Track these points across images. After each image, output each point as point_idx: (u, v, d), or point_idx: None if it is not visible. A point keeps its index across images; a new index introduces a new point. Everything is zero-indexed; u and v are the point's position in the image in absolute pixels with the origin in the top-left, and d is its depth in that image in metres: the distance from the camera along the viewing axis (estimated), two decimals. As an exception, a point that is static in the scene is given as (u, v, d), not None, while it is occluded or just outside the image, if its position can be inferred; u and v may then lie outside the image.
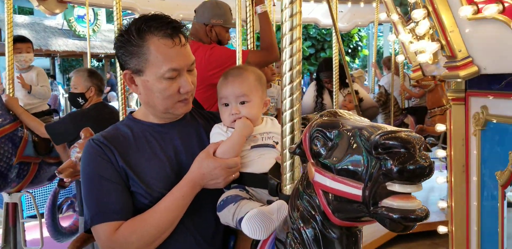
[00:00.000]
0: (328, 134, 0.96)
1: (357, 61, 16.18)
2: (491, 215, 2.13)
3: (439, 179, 2.59)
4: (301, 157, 1.11)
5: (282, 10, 1.21)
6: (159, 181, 1.47)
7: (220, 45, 3.23)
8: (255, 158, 1.50)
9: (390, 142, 0.78)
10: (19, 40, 4.06)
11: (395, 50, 6.30)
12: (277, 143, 1.53)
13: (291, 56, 1.22)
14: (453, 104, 2.37)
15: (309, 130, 1.02)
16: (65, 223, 4.09)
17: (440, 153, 2.53)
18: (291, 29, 1.20)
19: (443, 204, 2.64)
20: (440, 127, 2.54)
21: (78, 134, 2.99)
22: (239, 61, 2.38)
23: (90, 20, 14.41)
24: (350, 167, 0.89)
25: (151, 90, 1.47)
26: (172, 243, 1.47)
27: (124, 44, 1.46)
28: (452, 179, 2.39)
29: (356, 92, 4.43)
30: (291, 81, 1.23)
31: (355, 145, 0.88)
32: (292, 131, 1.26)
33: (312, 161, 1.02)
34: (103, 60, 18.75)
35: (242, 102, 1.53)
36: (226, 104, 1.55)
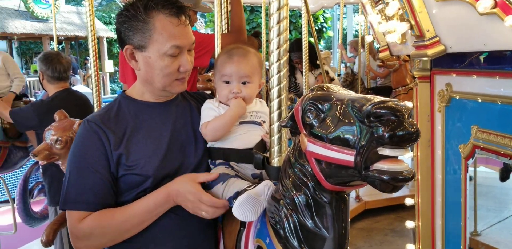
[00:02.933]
0: (320, 106, 1.04)
1: (321, 42, 16.32)
2: (454, 187, 2.25)
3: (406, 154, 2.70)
4: (291, 129, 1.19)
5: (270, -9, 1.26)
6: (152, 159, 1.49)
7: None
8: (242, 133, 1.56)
9: (381, 111, 0.87)
10: None
11: (360, 31, 6.41)
12: (264, 122, 1.59)
13: (278, 35, 1.27)
14: (419, 82, 2.46)
15: (302, 103, 1.10)
16: (36, 208, 4.04)
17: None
18: (279, 8, 1.25)
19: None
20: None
21: (41, 123, 2.97)
22: (217, 42, 2.40)
23: (48, 1, 13.81)
24: (342, 135, 0.97)
25: (152, 67, 1.48)
26: (160, 219, 1.49)
27: (129, 19, 1.46)
28: (418, 154, 2.51)
29: (327, 72, 4.53)
30: (279, 59, 1.28)
31: (347, 115, 0.96)
32: (279, 107, 1.32)
33: (305, 132, 1.09)
34: (63, 43, 18.08)
35: (244, 83, 1.58)
36: (227, 82, 1.59)
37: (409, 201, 2.70)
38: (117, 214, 1.44)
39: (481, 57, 2.00)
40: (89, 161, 1.45)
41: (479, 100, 2.00)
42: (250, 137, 1.55)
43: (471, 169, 2.13)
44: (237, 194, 1.35)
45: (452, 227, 2.30)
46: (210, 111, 1.59)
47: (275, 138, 1.34)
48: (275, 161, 1.36)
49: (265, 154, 1.46)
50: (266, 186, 1.33)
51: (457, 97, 2.17)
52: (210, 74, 3.48)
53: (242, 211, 1.28)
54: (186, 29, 1.49)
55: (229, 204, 1.37)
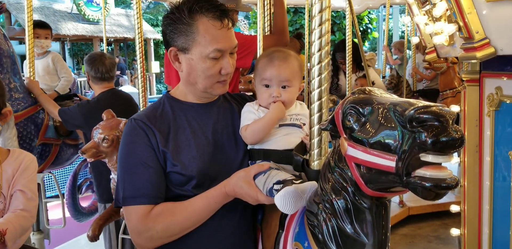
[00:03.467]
0: (361, 110, 1.03)
1: (366, 44, 16.05)
2: (503, 194, 2.17)
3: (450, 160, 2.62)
4: (331, 132, 1.18)
5: (312, -7, 1.26)
6: (196, 159, 1.51)
7: None
8: (282, 135, 1.55)
9: (425, 116, 0.85)
10: (39, 25, 4.06)
11: (406, 33, 6.30)
12: (304, 124, 1.58)
13: (320, 37, 1.27)
14: (468, 85, 2.38)
15: (342, 107, 1.09)
16: (84, 203, 4.19)
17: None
18: (321, 10, 1.25)
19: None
20: (454, 108, 2.57)
21: (87, 123, 3.07)
22: (259, 43, 2.42)
23: (99, 4, 14.33)
24: (383, 140, 0.95)
25: (194, 69, 1.51)
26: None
27: (174, 22, 1.50)
28: (465, 159, 2.43)
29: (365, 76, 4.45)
30: (320, 62, 1.28)
31: (388, 120, 0.95)
32: (320, 109, 1.32)
33: (345, 136, 1.08)
34: (113, 45, 18.71)
35: (283, 87, 1.58)
36: (267, 86, 1.60)
37: (454, 208, 2.63)
38: (177, 212, 1.47)
39: (535, 60, 1.92)
40: (140, 157, 1.49)
41: (532, 105, 1.92)
42: (290, 139, 1.54)
43: (521, 174, 2.04)
44: (279, 182, 1.33)
45: (500, 236, 2.22)
46: (249, 114, 1.59)
47: (315, 140, 1.34)
48: (315, 164, 1.35)
49: (305, 156, 1.45)
50: (311, 186, 1.31)
51: (507, 102, 2.10)
52: (252, 75, 3.50)
53: (285, 201, 1.26)
54: (228, 33, 1.50)
55: (270, 195, 1.35)
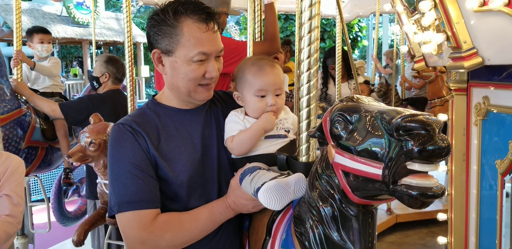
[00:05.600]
0: (348, 117, 1.03)
1: (356, 52, 16.18)
2: (490, 203, 2.18)
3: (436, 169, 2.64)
4: (319, 140, 1.18)
5: (301, 0, 1.26)
6: (187, 167, 1.48)
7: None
8: (267, 146, 1.52)
9: (411, 124, 0.85)
10: (43, 31, 4.10)
11: (396, 41, 6.35)
12: (288, 131, 1.55)
13: (309, 44, 1.27)
14: (455, 94, 2.41)
15: (330, 114, 1.09)
16: (70, 208, 4.15)
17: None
18: (310, 18, 1.26)
19: (441, 193, 2.71)
20: (441, 117, 2.59)
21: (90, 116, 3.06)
22: (249, 50, 2.42)
23: (89, 7, 14.25)
24: (370, 148, 0.95)
25: (178, 71, 1.48)
26: None
27: (159, 23, 1.46)
28: (453, 168, 2.44)
29: (367, 82, 4.46)
30: (309, 69, 1.28)
31: (376, 128, 0.95)
32: (308, 116, 1.31)
33: (333, 143, 1.08)
34: (102, 48, 18.60)
35: (277, 95, 1.54)
36: (262, 96, 1.54)
37: (441, 216, 2.64)
38: (185, 221, 1.44)
39: (522, 70, 1.94)
40: (133, 160, 1.44)
41: (519, 115, 1.94)
42: (274, 147, 1.51)
43: (508, 185, 2.05)
44: (265, 182, 1.30)
45: (487, 245, 2.23)
46: (235, 124, 1.55)
47: (303, 147, 1.33)
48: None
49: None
50: (298, 178, 1.30)
51: (494, 111, 2.11)
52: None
53: (268, 196, 1.25)
54: (214, 36, 1.47)
55: (255, 195, 1.33)
